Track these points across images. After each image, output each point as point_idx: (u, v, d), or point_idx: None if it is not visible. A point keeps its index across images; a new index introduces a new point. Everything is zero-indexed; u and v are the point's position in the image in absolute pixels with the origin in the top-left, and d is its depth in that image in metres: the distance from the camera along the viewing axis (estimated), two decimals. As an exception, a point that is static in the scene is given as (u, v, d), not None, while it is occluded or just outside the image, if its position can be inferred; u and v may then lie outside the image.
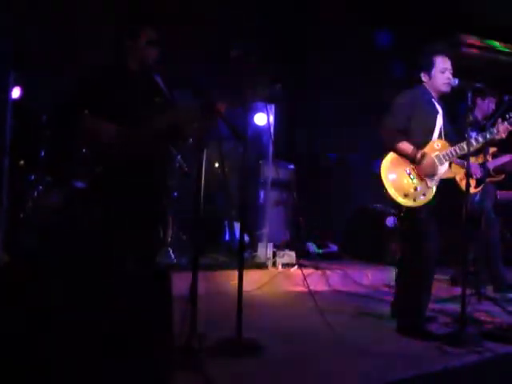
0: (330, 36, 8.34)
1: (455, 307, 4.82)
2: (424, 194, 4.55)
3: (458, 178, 5.86)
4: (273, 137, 6.49)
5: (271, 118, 6.65)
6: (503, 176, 6.26)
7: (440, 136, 4.72)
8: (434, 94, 4.73)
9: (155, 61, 4.05)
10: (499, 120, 5.02)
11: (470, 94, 4.53)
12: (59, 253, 3.76)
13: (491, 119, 5.89)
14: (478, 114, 6.29)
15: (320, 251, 7.77)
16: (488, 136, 4.87)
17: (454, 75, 4.67)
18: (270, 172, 7.01)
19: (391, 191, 4.51)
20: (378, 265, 7.43)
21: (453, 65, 4.73)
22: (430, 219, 4.58)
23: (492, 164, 6.11)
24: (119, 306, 2.71)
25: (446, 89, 4.68)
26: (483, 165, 5.81)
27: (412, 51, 5.07)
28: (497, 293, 6.08)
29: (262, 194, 7.37)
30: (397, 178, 4.55)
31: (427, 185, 4.57)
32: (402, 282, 4.79)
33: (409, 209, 4.55)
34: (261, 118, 7.16)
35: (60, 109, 4.09)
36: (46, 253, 4.29)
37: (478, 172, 5.88)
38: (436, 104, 4.73)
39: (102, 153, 3.84)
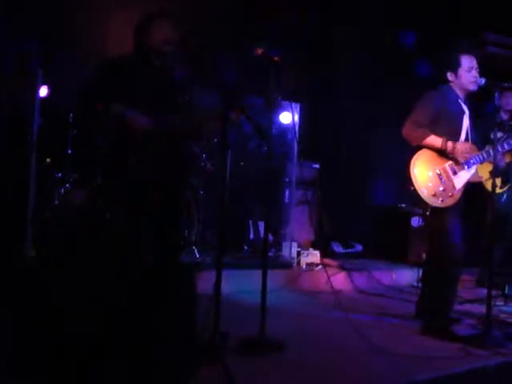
0: (356, 35, 8.32)
1: (481, 309, 4.78)
2: (451, 196, 4.52)
3: (484, 178, 5.81)
4: (298, 136, 6.48)
5: (296, 117, 6.65)
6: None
7: (467, 137, 4.68)
8: (460, 94, 4.69)
9: (177, 59, 4.05)
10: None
11: (497, 94, 4.49)
12: (85, 250, 3.79)
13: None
14: (502, 112, 6.20)
15: (345, 251, 7.76)
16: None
17: (480, 75, 4.63)
18: (294, 171, 7.00)
19: (420, 190, 4.49)
20: (402, 265, 7.40)
21: (478, 64, 4.69)
22: (456, 220, 4.56)
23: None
24: (144, 302, 2.73)
25: (473, 87, 4.63)
26: (510, 164, 5.75)
27: (437, 51, 5.03)
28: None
29: (286, 193, 7.37)
30: (426, 177, 4.53)
31: (454, 186, 4.54)
32: (428, 283, 4.77)
33: (435, 209, 4.53)
34: (286, 117, 7.15)
35: (84, 99, 4.05)
36: (72, 250, 4.33)
37: (502, 162, 5.81)
38: (462, 104, 4.69)
39: (134, 144, 3.84)
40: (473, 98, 4.87)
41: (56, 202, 5.70)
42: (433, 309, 4.56)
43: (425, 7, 8.17)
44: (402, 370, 3.63)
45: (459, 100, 4.68)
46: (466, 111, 4.70)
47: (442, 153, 4.55)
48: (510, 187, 5.83)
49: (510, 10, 7.85)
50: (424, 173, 4.54)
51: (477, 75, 4.61)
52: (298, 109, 6.73)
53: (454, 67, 4.65)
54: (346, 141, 8.64)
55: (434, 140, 4.52)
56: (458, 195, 4.55)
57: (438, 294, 4.54)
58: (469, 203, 4.76)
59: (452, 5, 8.13)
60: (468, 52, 4.71)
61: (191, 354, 2.94)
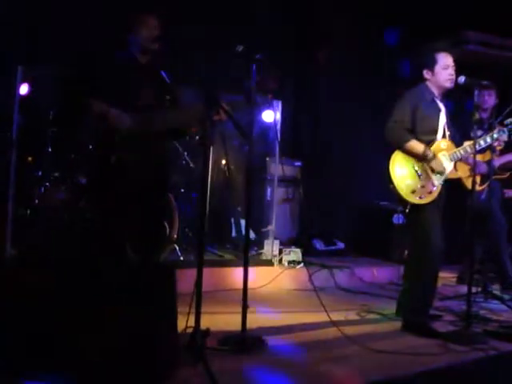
0: (336, 33, 8.35)
1: (461, 305, 4.82)
2: (430, 192, 4.56)
3: (463, 177, 5.87)
4: (279, 134, 6.49)
5: (278, 115, 6.65)
6: (508, 174, 6.24)
7: (444, 135, 4.72)
8: (436, 92, 4.72)
9: (161, 56, 4.05)
10: (497, 124, 5.02)
11: (476, 92, 4.53)
12: (64, 248, 3.78)
13: (498, 117, 5.88)
14: (481, 110, 6.23)
15: (327, 248, 7.78)
16: (495, 136, 4.89)
17: (460, 73, 4.67)
18: (276, 169, 7.01)
19: (399, 187, 4.53)
20: (384, 262, 7.43)
21: (459, 62, 4.73)
22: (435, 217, 4.60)
23: (498, 161, 6.09)
24: (122, 300, 2.73)
25: (449, 85, 4.67)
26: (489, 162, 5.80)
27: (417, 50, 5.07)
28: (503, 291, 6.07)
29: (268, 190, 7.38)
30: (405, 175, 4.56)
31: (433, 183, 4.58)
32: (408, 280, 4.80)
33: (414, 206, 4.56)
34: (268, 115, 7.16)
35: (68, 94, 4.04)
36: (51, 248, 4.31)
37: (482, 168, 5.88)
38: (438, 102, 4.72)
39: (116, 141, 3.82)
40: (454, 96, 4.91)
41: (36, 200, 5.66)
42: (413, 305, 4.59)
43: (406, 6, 8.21)
44: (382, 367, 3.65)
45: (435, 98, 4.71)
46: (443, 109, 4.73)
47: None
48: (489, 185, 5.87)
49: (490, 9, 7.92)
50: (403, 170, 4.57)
51: (453, 73, 4.65)
52: (280, 107, 6.73)
53: (431, 65, 4.68)
54: (328, 138, 8.66)
55: (416, 145, 4.55)
56: (436, 192, 4.59)
57: (418, 291, 4.57)
58: (449, 201, 4.79)
59: (432, 3, 8.16)
60: (444, 50, 4.76)
61: (172, 353, 2.93)
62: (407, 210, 4.62)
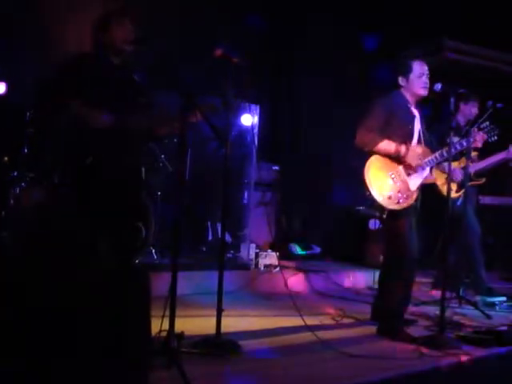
0: (317, 37, 8.37)
1: (436, 310, 4.85)
2: (406, 197, 4.57)
3: (439, 183, 5.92)
4: (256, 137, 6.50)
5: (255, 119, 6.66)
6: (484, 180, 6.30)
7: (419, 141, 4.76)
8: (410, 99, 4.77)
9: (136, 59, 4.03)
10: (475, 129, 5.08)
11: (452, 99, 4.58)
12: (38, 250, 3.74)
13: (474, 124, 5.94)
14: (461, 118, 6.31)
15: (303, 253, 7.80)
16: (465, 144, 4.96)
17: (438, 80, 4.71)
18: (253, 172, 7.02)
19: (375, 193, 4.53)
20: (360, 267, 7.47)
21: (436, 69, 4.79)
22: (411, 223, 4.63)
23: (473, 168, 6.14)
24: (95, 303, 2.71)
25: (423, 93, 4.73)
26: (465, 169, 5.86)
27: (396, 56, 5.13)
28: (477, 296, 6.12)
29: (245, 194, 7.38)
30: (381, 181, 4.57)
31: (409, 188, 4.60)
32: (383, 285, 4.83)
33: (391, 211, 4.58)
34: (246, 119, 7.16)
35: (44, 96, 4.00)
36: (25, 250, 4.27)
37: (458, 176, 5.94)
38: (412, 109, 4.77)
39: (93, 142, 3.79)
40: (431, 103, 4.97)
41: (11, 201, 5.60)
42: (388, 310, 4.61)
43: (387, 12, 8.27)
44: (357, 371, 3.66)
45: (408, 105, 4.76)
46: (417, 115, 4.78)
47: (394, 157, 4.62)
48: (465, 192, 5.92)
49: (470, 18, 8.01)
50: (378, 177, 4.58)
51: (427, 81, 4.71)
52: (258, 110, 6.75)
53: (406, 73, 4.74)
54: (306, 142, 8.68)
55: (388, 145, 4.58)
56: (413, 196, 4.61)
57: (393, 296, 4.59)
58: (424, 207, 4.83)
59: (413, 11, 8.23)
60: (419, 58, 4.83)
61: (145, 356, 2.92)
62: (384, 216, 4.63)
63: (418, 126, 4.77)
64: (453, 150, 4.71)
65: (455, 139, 5.11)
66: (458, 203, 6.00)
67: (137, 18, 4.06)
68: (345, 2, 8.33)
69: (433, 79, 4.72)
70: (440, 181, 5.95)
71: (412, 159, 4.59)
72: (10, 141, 5.90)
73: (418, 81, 4.70)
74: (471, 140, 5.06)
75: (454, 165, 5.83)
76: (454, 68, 8.14)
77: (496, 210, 7.90)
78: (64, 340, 2.60)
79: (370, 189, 4.54)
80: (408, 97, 4.76)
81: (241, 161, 7.34)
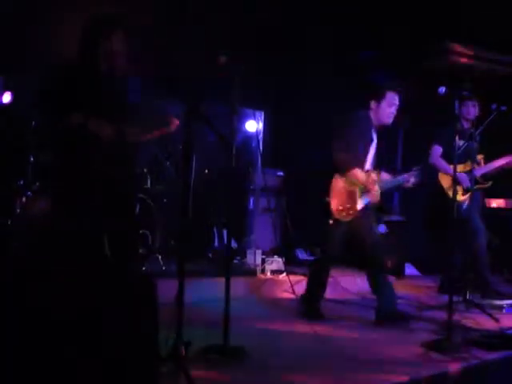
0: (320, 46, 8.38)
1: (443, 314, 4.84)
2: (350, 214, 5.04)
3: (445, 186, 5.92)
4: (261, 144, 6.51)
5: (260, 125, 6.68)
6: (490, 183, 6.28)
7: (372, 164, 5.15)
8: (374, 123, 5.13)
9: (128, 65, 4.00)
10: (412, 171, 5.26)
11: (456, 103, 4.58)
12: (46, 257, 3.75)
13: (479, 128, 5.93)
14: (461, 120, 6.26)
15: (309, 258, 7.79)
16: (401, 181, 5.27)
17: (442, 83, 4.73)
18: (259, 179, 7.03)
19: (332, 201, 5.08)
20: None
21: (441, 72, 4.86)
22: (343, 234, 5.17)
23: (479, 171, 6.13)
24: (103, 311, 2.71)
25: (387, 121, 5.14)
26: (470, 172, 5.85)
27: (400, 63, 5.21)
28: (484, 300, 6.09)
29: (251, 200, 7.39)
30: (339, 192, 5.09)
31: (357, 207, 5.03)
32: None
33: (336, 220, 5.09)
34: (251, 125, 7.18)
35: (46, 107, 3.98)
36: (33, 258, 4.28)
37: (466, 182, 5.94)
38: (373, 133, 5.14)
39: (94, 151, 3.80)
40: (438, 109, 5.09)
41: (18, 210, 5.61)
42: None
43: (389, 16, 8.26)
44: (363, 375, 3.65)
45: (372, 128, 5.13)
46: (375, 140, 5.14)
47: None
48: (471, 195, 5.91)
49: (474, 21, 7.99)
50: (339, 188, 5.10)
51: (394, 112, 5.09)
52: (262, 117, 6.76)
53: (379, 98, 5.10)
54: (311, 149, 8.67)
55: (358, 174, 5.01)
56: (355, 214, 5.04)
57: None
58: (432, 211, 4.85)
59: (416, 14, 8.22)
60: (394, 89, 5.15)
61: (153, 364, 2.92)
62: (330, 222, 5.10)
63: (372, 151, 5.15)
64: (383, 186, 5.10)
65: (460, 143, 5.12)
66: (464, 207, 5.98)
67: (132, 26, 4.02)
68: (346, 14, 8.33)
69: (436, 82, 4.78)
70: (446, 184, 5.95)
71: (372, 197, 5.04)
72: (16, 149, 5.91)
73: (387, 109, 5.10)
74: (401, 180, 5.23)
75: (460, 168, 5.82)
76: (456, 71, 8.13)
77: (502, 214, 7.86)
78: (71, 347, 2.60)
79: (329, 196, 5.11)
80: (374, 120, 5.12)
81: (246, 167, 7.35)
